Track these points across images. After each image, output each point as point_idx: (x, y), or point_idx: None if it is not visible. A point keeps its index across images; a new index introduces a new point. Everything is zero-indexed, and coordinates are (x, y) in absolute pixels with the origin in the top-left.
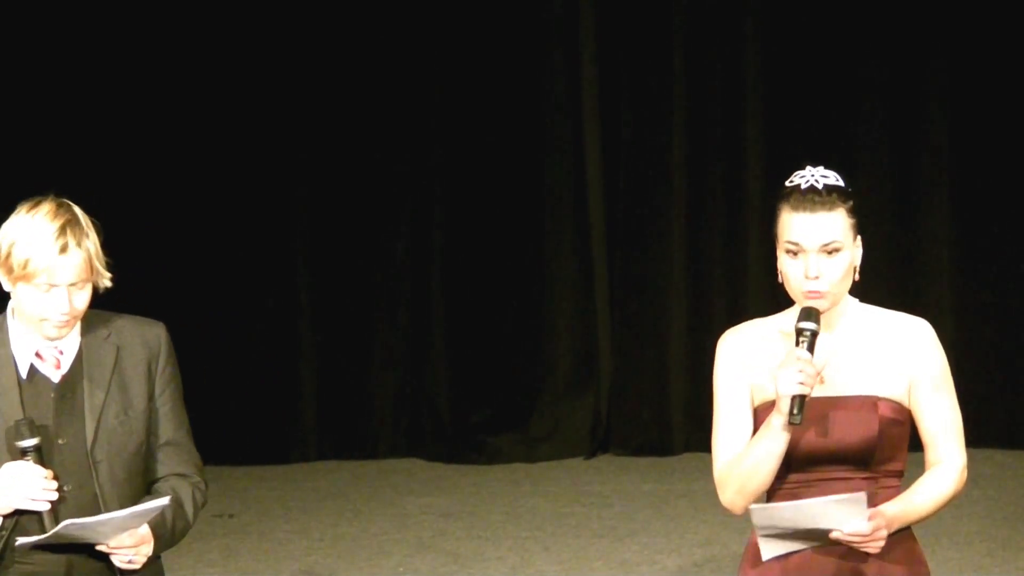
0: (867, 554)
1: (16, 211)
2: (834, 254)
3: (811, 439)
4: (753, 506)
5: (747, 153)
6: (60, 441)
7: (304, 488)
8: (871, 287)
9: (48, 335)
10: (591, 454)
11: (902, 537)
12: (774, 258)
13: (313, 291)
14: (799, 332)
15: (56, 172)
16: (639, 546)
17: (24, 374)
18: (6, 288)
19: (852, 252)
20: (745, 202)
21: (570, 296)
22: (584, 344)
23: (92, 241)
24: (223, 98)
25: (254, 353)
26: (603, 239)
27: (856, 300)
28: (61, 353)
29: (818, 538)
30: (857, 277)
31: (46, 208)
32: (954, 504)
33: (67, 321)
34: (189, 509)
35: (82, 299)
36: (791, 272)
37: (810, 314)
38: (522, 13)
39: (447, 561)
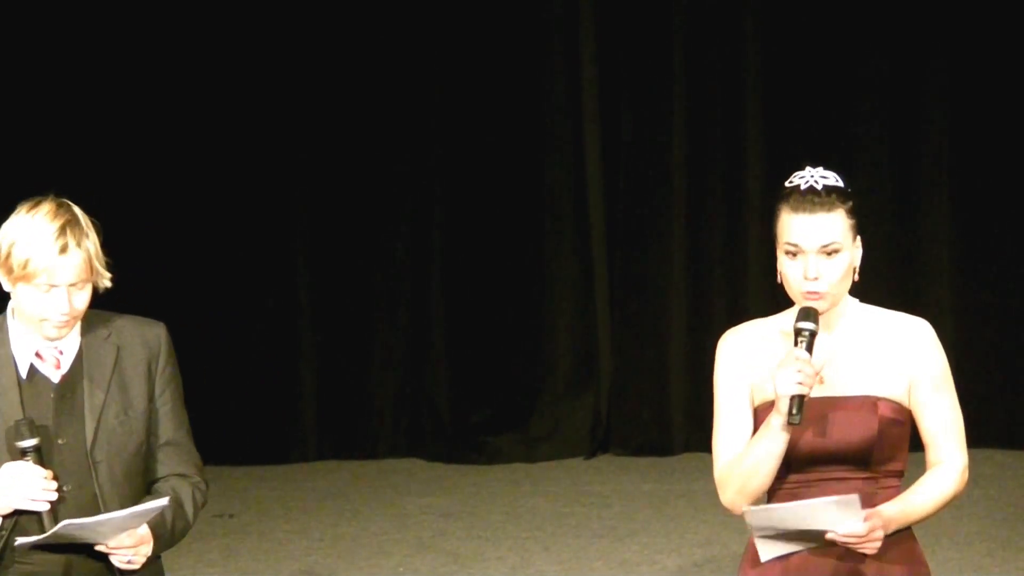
0: (867, 554)
1: (16, 211)
2: (833, 255)
3: (811, 439)
4: (746, 508)
5: (747, 153)
6: (60, 441)
7: (304, 488)
8: (871, 287)
9: (48, 335)
10: (591, 454)
11: (902, 537)
12: (774, 258)
13: (313, 291)
14: (798, 332)
15: (56, 172)
16: (639, 546)
17: (24, 374)
18: (6, 288)
19: (851, 253)
20: (745, 202)
21: (570, 296)
22: (584, 344)
23: (92, 241)
24: (223, 98)
25: (254, 353)
26: (603, 239)
27: (856, 300)
28: (61, 353)
29: (814, 539)
30: (856, 277)
31: (46, 208)
32: (954, 504)
33: (67, 321)
34: (189, 509)
35: (82, 299)
36: (790, 273)
37: (809, 314)
38: (522, 13)
39: (447, 561)
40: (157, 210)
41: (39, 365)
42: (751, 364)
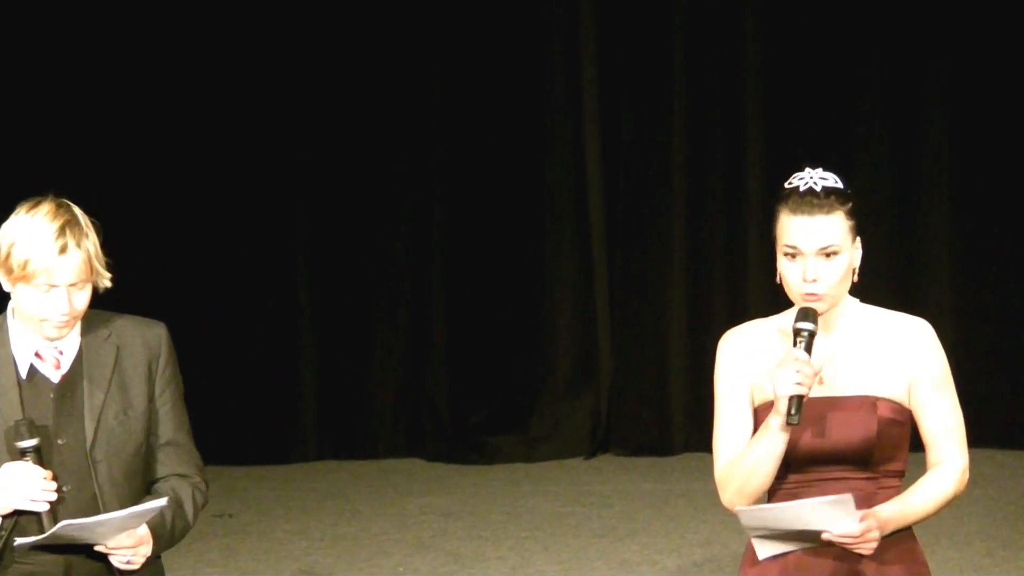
0: (867, 554)
1: (16, 211)
2: (832, 257)
3: (810, 439)
4: (739, 507)
5: (747, 153)
6: (59, 441)
7: (304, 488)
8: (871, 287)
9: (48, 335)
10: (591, 454)
11: (902, 537)
12: (774, 258)
13: (313, 291)
14: (796, 333)
15: (56, 172)
16: (639, 546)
17: (24, 374)
18: (6, 288)
19: (851, 254)
20: (745, 202)
21: (570, 296)
22: (584, 344)
23: (92, 241)
24: (223, 98)
25: (254, 353)
26: (603, 239)
27: (856, 300)
28: (61, 353)
29: (810, 539)
30: (856, 278)
31: (45, 208)
32: (954, 504)
33: (67, 321)
34: (189, 509)
35: (82, 299)
36: (789, 275)
37: (807, 315)
38: (522, 13)
39: (447, 561)
40: (157, 210)
41: (39, 365)
42: (751, 364)
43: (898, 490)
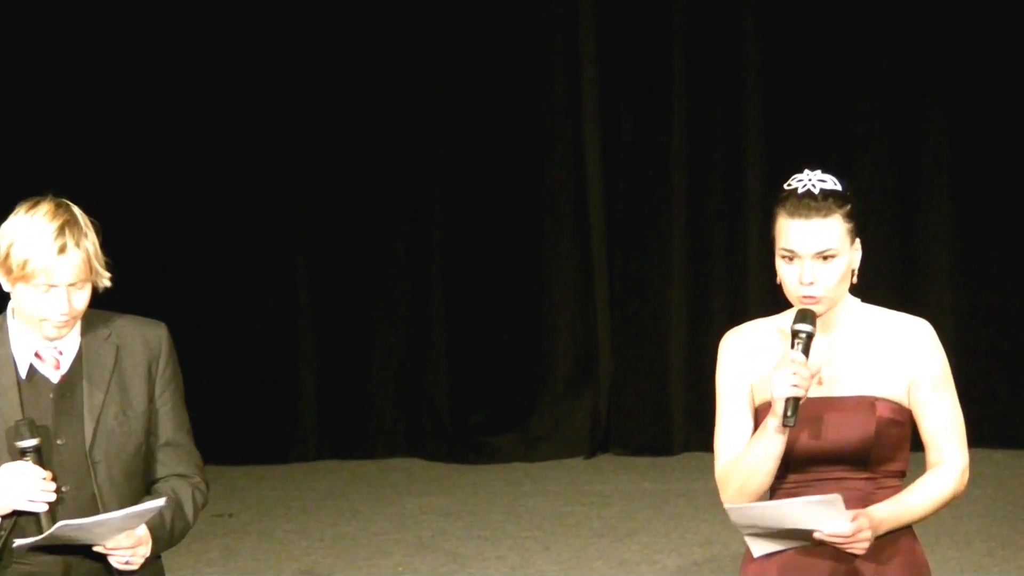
0: (866, 553)
1: (15, 211)
2: (829, 260)
3: (809, 440)
4: (729, 505)
5: (747, 153)
6: (59, 442)
7: (304, 488)
8: (871, 287)
9: (48, 335)
10: (591, 454)
11: (903, 536)
12: (774, 258)
13: (313, 291)
14: (794, 334)
15: (56, 172)
16: (639, 546)
17: (24, 374)
18: (6, 288)
19: (849, 256)
20: (745, 202)
21: (570, 296)
22: (584, 344)
23: (91, 241)
24: (223, 98)
25: (254, 353)
26: (603, 239)
27: (857, 300)
28: (60, 353)
29: (802, 538)
30: (855, 280)
31: (45, 208)
32: (954, 504)
33: (66, 321)
34: (188, 510)
35: (81, 299)
36: (787, 277)
37: (805, 316)
38: (522, 13)
39: (447, 561)
40: (157, 210)
41: (39, 365)
42: (752, 364)
43: (898, 490)
